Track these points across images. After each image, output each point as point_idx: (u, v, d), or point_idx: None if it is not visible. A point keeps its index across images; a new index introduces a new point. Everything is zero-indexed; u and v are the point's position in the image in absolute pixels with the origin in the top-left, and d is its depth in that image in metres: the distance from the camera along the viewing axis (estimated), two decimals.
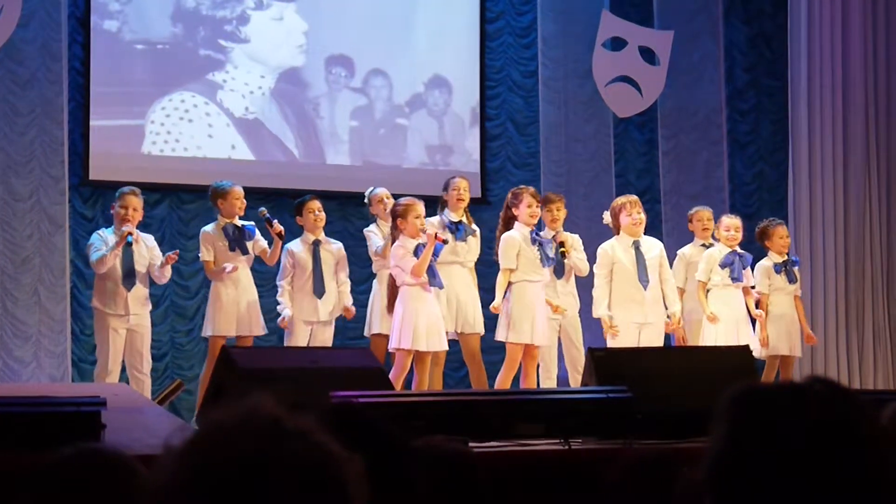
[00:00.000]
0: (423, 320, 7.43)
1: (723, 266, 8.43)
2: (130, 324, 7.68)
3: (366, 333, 8.33)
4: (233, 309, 7.87)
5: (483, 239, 8.65)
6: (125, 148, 9.41)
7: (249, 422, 1.25)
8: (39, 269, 8.75)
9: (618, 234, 8.25)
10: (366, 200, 8.52)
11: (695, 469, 1.55)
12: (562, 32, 10.55)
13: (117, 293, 7.65)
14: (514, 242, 7.86)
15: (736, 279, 8.42)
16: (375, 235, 8.29)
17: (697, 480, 1.51)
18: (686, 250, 8.84)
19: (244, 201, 8.02)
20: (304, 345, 7.99)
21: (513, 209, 7.96)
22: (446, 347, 7.74)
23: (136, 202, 7.75)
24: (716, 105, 10.90)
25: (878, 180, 10.81)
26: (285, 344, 8.17)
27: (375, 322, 8.16)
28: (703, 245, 8.76)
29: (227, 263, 7.83)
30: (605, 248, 8.23)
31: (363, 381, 5.39)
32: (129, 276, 7.66)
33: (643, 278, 8.12)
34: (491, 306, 7.89)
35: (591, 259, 8.30)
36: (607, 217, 8.37)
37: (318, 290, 8.09)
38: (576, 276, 8.39)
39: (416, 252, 7.47)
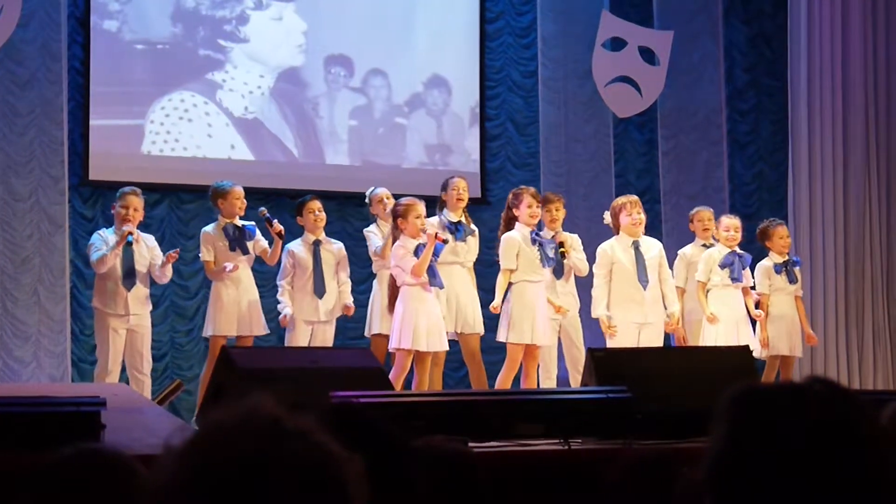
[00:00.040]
0: (423, 320, 7.43)
1: (722, 266, 8.43)
2: (130, 324, 7.68)
3: (366, 334, 8.33)
4: (234, 309, 7.87)
5: (483, 239, 8.65)
6: (125, 148, 9.41)
7: (249, 422, 1.25)
8: (39, 269, 8.75)
9: (617, 233, 8.25)
10: (366, 200, 8.53)
11: (695, 469, 1.55)
12: (562, 32, 10.55)
13: (117, 293, 7.65)
14: (514, 243, 7.87)
15: (735, 279, 8.42)
16: (375, 235, 8.29)
17: (697, 480, 1.51)
18: (687, 250, 8.84)
19: (244, 201, 8.02)
20: (305, 344, 7.99)
21: (513, 210, 7.97)
22: (446, 347, 7.74)
23: (136, 202, 7.75)
24: (716, 105, 10.90)
25: (878, 180, 10.81)
26: (286, 343, 8.18)
27: (375, 322, 8.17)
28: (704, 245, 8.76)
29: (228, 263, 7.83)
30: (604, 248, 8.24)
31: (363, 381, 5.39)
32: (130, 275, 7.66)
33: (643, 278, 8.12)
34: (490, 306, 7.89)
35: (591, 259, 8.30)
36: (608, 217, 8.37)
37: (319, 290, 8.09)
38: (576, 276, 8.40)
39: (417, 252, 7.47)
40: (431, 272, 7.49)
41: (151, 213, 8.97)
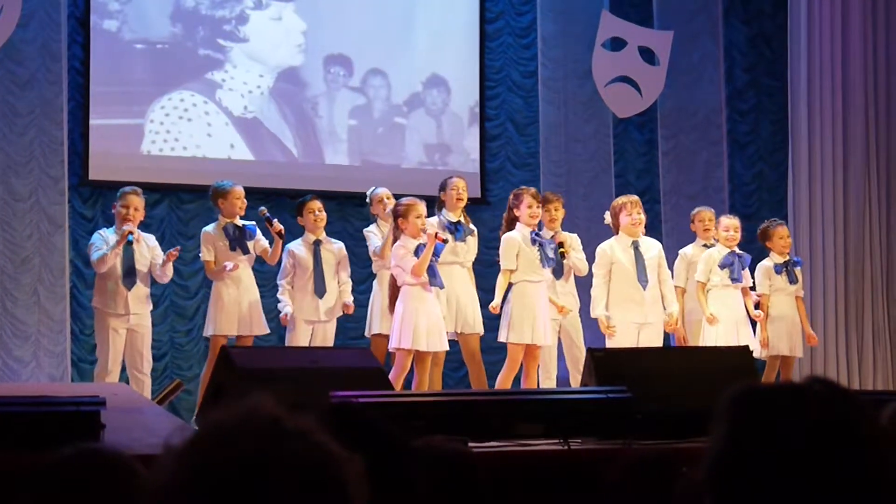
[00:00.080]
0: (423, 320, 7.43)
1: (722, 267, 8.43)
2: (131, 323, 7.68)
3: (366, 334, 8.33)
4: (234, 308, 7.87)
5: (483, 239, 8.66)
6: (125, 148, 9.41)
7: (249, 422, 1.25)
8: (39, 268, 8.75)
9: (617, 233, 8.26)
10: (367, 200, 8.53)
11: (695, 469, 1.55)
12: (561, 32, 10.55)
13: (118, 293, 7.65)
14: (514, 243, 7.87)
15: (735, 280, 8.41)
16: (375, 235, 8.29)
17: (697, 480, 1.51)
18: (688, 250, 8.84)
19: (245, 201, 8.02)
20: (306, 344, 8.00)
21: (514, 210, 7.97)
22: (447, 348, 7.74)
23: (137, 202, 7.75)
24: (715, 105, 10.90)
25: (877, 181, 10.81)
26: (287, 343, 8.18)
27: (375, 322, 8.17)
28: (705, 245, 8.76)
29: (228, 262, 7.83)
30: (603, 248, 8.24)
31: (363, 381, 5.39)
32: (130, 274, 7.66)
33: (642, 278, 8.12)
34: (490, 306, 7.90)
35: (591, 259, 8.31)
36: (608, 217, 8.38)
37: (319, 290, 8.09)
38: (576, 276, 8.40)
39: (417, 252, 7.47)
40: (432, 272, 7.49)
41: (151, 213, 8.97)
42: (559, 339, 8.30)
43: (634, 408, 5.26)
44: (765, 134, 11.23)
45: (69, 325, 8.84)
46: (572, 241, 8.35)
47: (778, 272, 8.65)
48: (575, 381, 7.89)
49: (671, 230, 10.32)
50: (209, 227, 8.02)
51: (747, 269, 8.52)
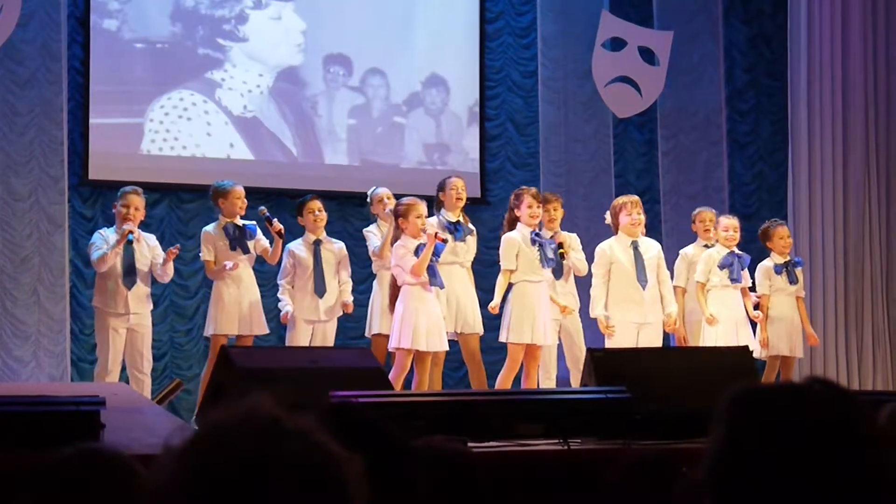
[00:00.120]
0: (423, 320, 7.43)
1: (721, 267, 8.43)
2: (131, 323, 7.68)
3: (366, 334, 8.33)
4: (235, 308, 7.87)
5: (483, 239, 8.65)
6: (124, 147, 9.41)
7: (249, 422, 1.25)
8: (39, 268, 8.75)
9: (616, 233, 8.26)
10: (367, 200, 8.53)
11: (695, 469, 1.55)
12: (561, 32, 10.55)
13: (118, 292, 7.65)
14: (514, 243, 7.88)
15: (735, 280, 8.41)
16: (374, 235, 8.29)
17: (697, 480, 1.51)
18: (689, 250, 8.84)
19: (245, 201, 8.02)
20: (306, 343, 8.00)
21: (515, 210, 7.98)
22: (446, 348, 7.74)
23: (138, 201, 7.76)
24: (715, 105, 10.90)
25: (877, 180, 10.81)
26: (287, 342, 8.19)
27: (375, 322, 8.17)
28: (706, 246, 8.76)
29: (228, 261, 7.83)
30: (603, 248, 8.24)
31: (363, 381, 5.39)
32: (130, 273, 7.66)
33: (641, 278, 8.12)
34: (489, 307, 7.90)
35: (591, 259, 8.31)
36: (609, 217, 8.38)
37: (320, 290, 8.09)
38: (575, 276, 8.40)
39: (417, 252, 7.47)
40: (432, 272, 7.49)
41: (151, 213, 8.96)
42: (559, 339, 8.30)
43: (634, 408, 5.26)
44: (765, 134, 11.23)
45: (69, 325, 8.84)
46: (572, 241, 8.36)
47: (778, 272, 8.64)
48: (575, 381, 7.89)
49: (671, 230, 10.32)
50: (209, 227, 8.02)
51: (746, 270, 8.52)
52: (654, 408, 5.32)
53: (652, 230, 8.89)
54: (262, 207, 8.23)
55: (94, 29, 9.34)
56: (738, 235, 8.52)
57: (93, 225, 8.92)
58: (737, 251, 8.50)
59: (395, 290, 7.55)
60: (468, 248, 8.21)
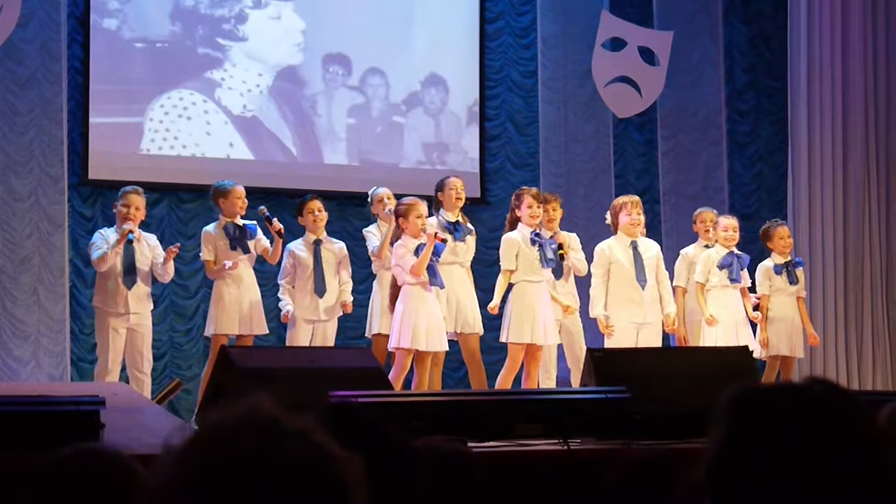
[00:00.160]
0: (423, 320, 7.43)
1: (721, 267, 8.43)
2: (131, 323, 7.68)
3: (366, 334, 8.33)
4: (235, 308, 7.87)
5: (482, 239, 8.65)
6: (124, 147, 9.41)
7: (249, 422, 1.25)
8: (39, 268, 8.74)
9: (616, 233, 8.26)
10: (368, 200, 8.53)
11: (695, 469, 1.55)
12: (561, 33, 10.55)
13: (118, 292, 7.65)
14: (514, 244, 7.88)
15: (734, 280, 8.41)
16: (374, 235, 8.29)
17: (697, 480, 1.51)
18: (689, 250, 8.84)
19: (245, 200, 8.02)
20: (306, 343, 8.00)
21: (516, 210, 7.98)
22: (446, 348, 7.74)
23: (138, 201, 7.76)
24: (715, 105, 10.90)
25: (877, 180, 10.81)
26: (287, 342, 8.19)
27: (375, 322, 8.17)
28: (707, 246, 8.76)
29: (227, 261, 7.83)
30: (602, 248, 8.25)
31: (362, 381, 5.39)
32: (130, 272, 7.66)
33: (641, 278, 8.13)
34: (488, 307, 7.90)
35: (591, 259, 8.31)
36: (609, 217, 8.38)
37: (320, 290, 8.10)
38: (575, 276, 8.40)
39: (417, 252, 7.47)
40: (432, 272, 7.49)
41: (151, 213, 8.96)
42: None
43: (634, 408, 5.26)
44: (765, 134, 11.23)
45: (69, 325, 8.84)
46: (571, 241, 8.36)
47: (778, 273, 8.64)
48: (576, 380, 7.89)
49: (671, 230, 10.32)
50: (209, 227, 8.02)
51: (746, 270, 8.51)
52: (654, 408, 5.31)
53: (652, 230, 8.89)
54: (262, 207, 8.23)
55: (94, 28, 9.34)
56: (737, 235, 8.52)
57: (93, 225, 8.92)
58: (736, 251, 8.50)
59: (395, 290, 7.55)
60: (468, 248, 8.21)
